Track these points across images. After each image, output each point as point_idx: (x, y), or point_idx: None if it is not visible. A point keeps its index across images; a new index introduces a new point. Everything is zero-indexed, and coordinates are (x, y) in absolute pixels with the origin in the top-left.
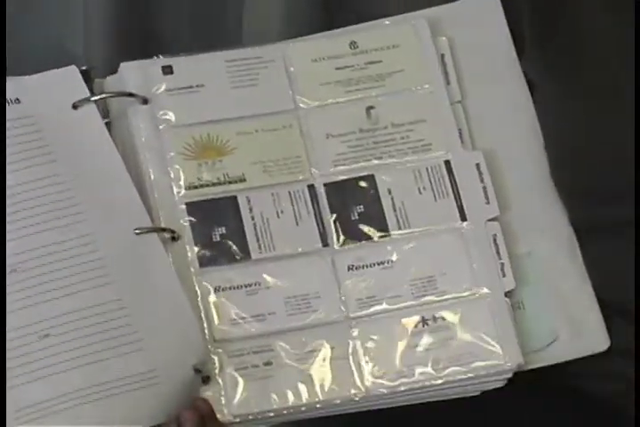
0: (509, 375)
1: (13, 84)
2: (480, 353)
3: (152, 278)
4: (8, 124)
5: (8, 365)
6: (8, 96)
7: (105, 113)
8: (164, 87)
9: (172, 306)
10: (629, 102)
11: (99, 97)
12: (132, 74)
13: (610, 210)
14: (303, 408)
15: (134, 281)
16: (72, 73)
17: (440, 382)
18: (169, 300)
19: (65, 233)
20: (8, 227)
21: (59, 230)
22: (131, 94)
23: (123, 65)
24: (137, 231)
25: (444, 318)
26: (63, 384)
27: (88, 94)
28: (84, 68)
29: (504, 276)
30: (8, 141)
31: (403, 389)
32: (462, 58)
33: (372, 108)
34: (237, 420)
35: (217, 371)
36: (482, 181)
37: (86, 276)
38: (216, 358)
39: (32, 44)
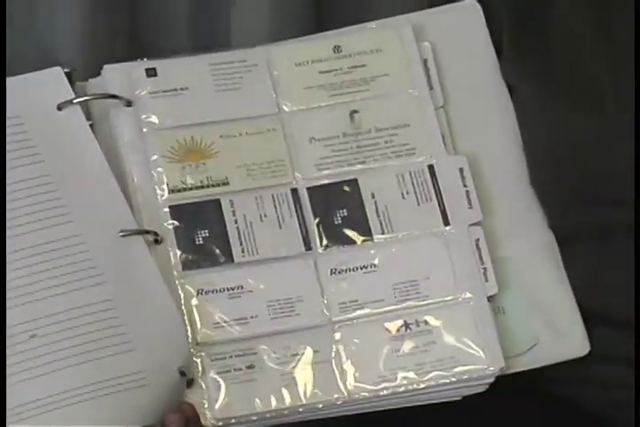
0: (491, 380)
1: None
2: (463, 358)
3: (138, 280)
4: None
5: None
6: None
7: (87, 115)
8: (147, 90)
9: (158, 308)
10: (609, 102)
11: (83, 98)
12: (115, 76)
13: (594, 214)
14: (286, 412)
15: (122, 283)
16: (57, 74)
17: (422, 386)
18: (155, 302)
19: (53, 233)
20: None
21: (47, 231)
22: (115, 96)
23: (106, 67)
24: (122, 233)
25: (426, 323)
26: (52, 385)
27: (73, 96)
28: (66, 70)
29: (487, 280)
30: None
31: (385, 393)
32: (444, 63)
33: (355, 112)
34: (220, 423)
35: (199, 374)
36: (465, 185)
37: (76, 276)
38: (199, 362)
39: (16, 48)
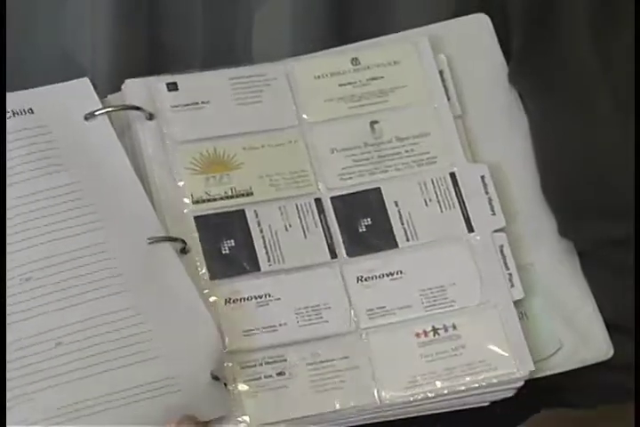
0: (520, 384)
1: (26, 95)
2: (492, 362)
3: (167, 286)
4: (21, 134)
5: (23, 372)
6: (21, 107)
7: None
8: (169, 103)
9: (189, 313)
10: (612, 114)
11: (110, 109)
12: (136, 90)
13: (599, 227)
14: (316, 419)
15: (149, 289)
16: (84, 85)
17: (452, 391)
18: (186, 307)
19: (79, 241)
20: (22, 235)
21: (72, 239)
22: (138, 108)
23: (127, 81)
24: (149, 240)
25: (454, 328)
26: (79, 391)
27: (100, 106)
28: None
29: (512, 286)
30: (21, 151)
31: (416, 398)
32: (459, 75)
33: (375, 122)
34: None
35: (230, 382)
36: (487, 192)
37: (101, 284)
38: (229, 370)
39: (38, 57)
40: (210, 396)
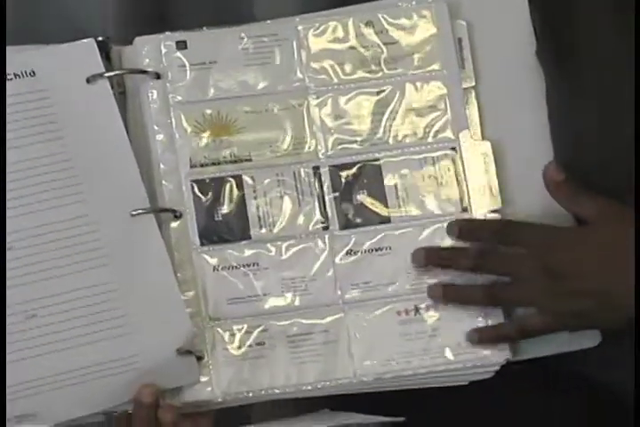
0: (496, 368)
1: (30, 55)
2: (469, 345)
3: (144, 261)
4: (20, 98)
5: None
6: (23, 68)
7: (121, 85)
8: (177, 63)
9: (160, 289)
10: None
11: (112, 73)
12: (145, 48)
13: None
14: (291, 389)
15: (127, 264)
16: (89, 47)
17: (427, 370)
18: (158, 282)
19: (64, 213)
20: (9, 204)
21: (58, 210)
22: (143, 71)
23: (138, 39)
24: (133, 213)
25: (436, 308)
26: (46, 366)
27: (103, 69)
28: (100, 38)
29: None
30: (18, 115)
31: (390, 376)
32: (480, 42)
33: (382, 91)
34: (227, 398)
35: (209, 349)
36: (487, 172)
37: (81, 257)
38: (210, 336)
39: (48, 27)
40: (175, 371)
